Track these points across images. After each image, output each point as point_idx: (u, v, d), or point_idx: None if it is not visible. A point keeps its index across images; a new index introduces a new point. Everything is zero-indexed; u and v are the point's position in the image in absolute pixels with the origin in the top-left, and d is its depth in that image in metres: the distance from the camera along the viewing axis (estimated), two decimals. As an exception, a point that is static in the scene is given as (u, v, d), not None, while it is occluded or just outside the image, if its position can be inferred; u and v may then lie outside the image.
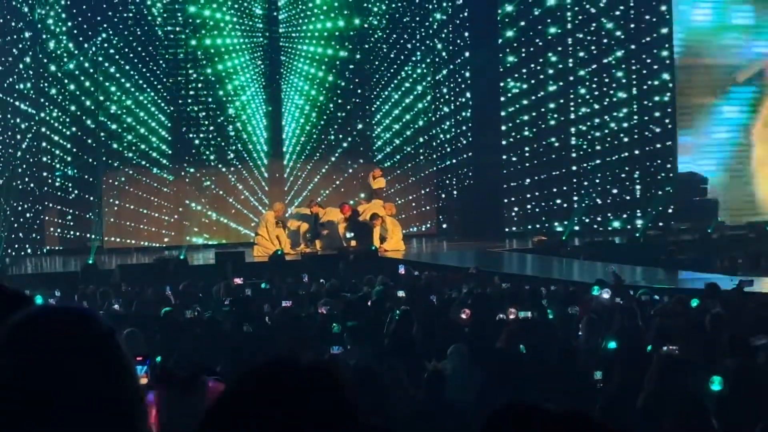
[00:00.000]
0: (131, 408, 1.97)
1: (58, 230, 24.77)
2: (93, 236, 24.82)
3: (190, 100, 25.66)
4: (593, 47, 26.07)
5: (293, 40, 26.33)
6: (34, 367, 1.90)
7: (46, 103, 24.47)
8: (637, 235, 23.30)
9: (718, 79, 27.03)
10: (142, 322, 11.30)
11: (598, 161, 26.04)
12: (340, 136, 26.39)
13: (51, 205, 24.63)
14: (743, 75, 27.06)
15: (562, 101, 26.14)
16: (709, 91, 27.08)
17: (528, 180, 26.04)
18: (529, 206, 26.16)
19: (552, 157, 26.00)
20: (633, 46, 26.07)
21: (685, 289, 15.00)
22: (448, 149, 26.98)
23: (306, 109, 26.32)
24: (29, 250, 24.00)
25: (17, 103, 23.82)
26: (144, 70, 25.14)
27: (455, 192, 26.89)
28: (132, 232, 25.20)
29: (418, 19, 26.82)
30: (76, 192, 24.77)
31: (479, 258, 20.65)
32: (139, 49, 25.06)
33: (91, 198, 24.90)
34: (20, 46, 23.90)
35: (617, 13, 26.07)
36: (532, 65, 26.01)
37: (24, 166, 23.84)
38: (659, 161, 26.13)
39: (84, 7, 24.65)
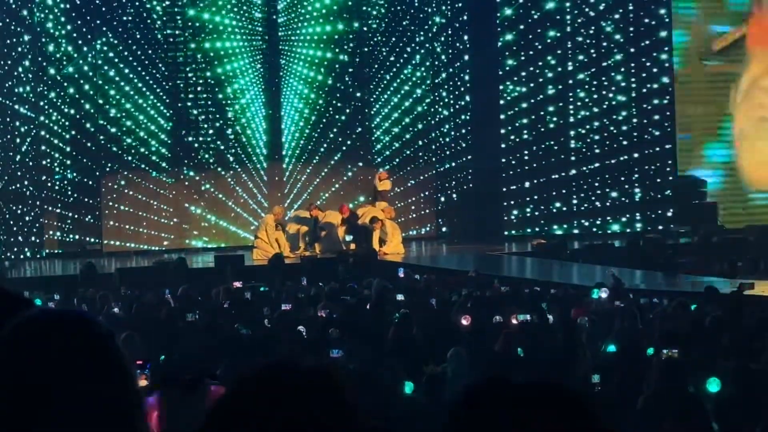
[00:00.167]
0: (131, 411, 1.97)
1: (58, 233, 24.77)
2: (92, 239, 24.82)
3: (189, 104, 25.66)
4: (592, 50, 26.08)
5: (292, 43, 26.34)
6: (33, 370, 1.90)
7: (46, 107, 24.47)
8: (637, 238, 23.29)
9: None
10: (141, 326, 11.30)
11: (597, 164, 26.04)
12: (340, 139, 26.39)
13: (50, 208, 24.61)
14: (720, 43, 26.64)
15: (561, 104, 26.15)
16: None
17: (527, 183, 26.04)
18: (528, 209, 26.16)
19: (551, 161, 26.00)
20: (632, 50, 26.08)
21: (685, 293, 15.01)
22: (448, 152, 26.98)
23: (305, 113, 26.32)
24: (28, 254, 23.98)
25: (16, 106, 23.82)
26: (143, 73, 25.15)
27: (455, 195, 26.88)
28: (131, 236, 25.19)
29: (417, 22, 26.83)
30: (75, 195, 24.76)
31: (478, 261, 20.65)
32: (139, 52, 25.07)
33: (91, 201, 24.90)
34: (19, 49, 23.90)
35: (616, 16, 26.08)
36: (532, 68, 26.01)
37: (23, 169, 23.83)
38: (658, 164, 26.13)
39: (83, 10, 24.66)
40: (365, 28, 26.56)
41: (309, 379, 1.83)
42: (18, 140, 23.77)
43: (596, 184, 26.08)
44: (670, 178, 26.00)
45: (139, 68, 25.09)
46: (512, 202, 26.15)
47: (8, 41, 23.62)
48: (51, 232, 24.67)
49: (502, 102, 26.07)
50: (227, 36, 25.71)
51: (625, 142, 26.08)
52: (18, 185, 23.68)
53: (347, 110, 26.48)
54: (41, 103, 24.39)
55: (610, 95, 26.10)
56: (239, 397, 1.81)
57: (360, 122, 26.65)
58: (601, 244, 22.70)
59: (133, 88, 25.09)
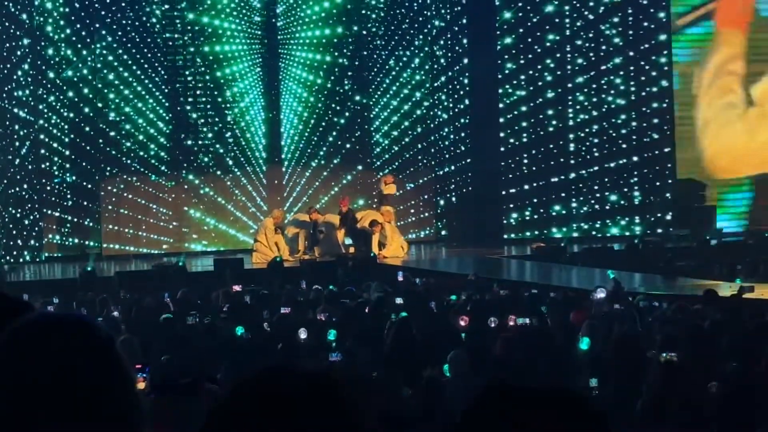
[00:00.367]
0: (130, 414, 1.97)
1: (57, 237, 24.76)
2: (92, 243, 24.82)
3: (188, 107, 25.67)
4: (591, 54, 26.10)
5: (292, 47, 26.34)
6: (32, 373, 1.90)
7: (45, 110, 24.47)
8: (636, 241, 23.29)
9: None
10: (140, 329, 11.30)
11: (596, 167, 26.05)
12: (339, 142, 26.40)
13: (50, 212, 24.61)
14: (684, 20, 26.27)
15: (560, 108, 26.17)
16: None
17: (527, 186, 26.05)
18: (527, 212, 26.17)
19: (551, 164, 26.01)
20: (631, 53, 26.10)
21: (684, 296, 15.01)
22: (447, 155, 26.99)
23: (305, 116, 26.33)
24: (28, 257, 23.97)
25: (16, 110, 23.82)
26: (143, 76, 25.16)
27: (454, 198, 26.90)
28: (130, 239, 25.19)
29: (416, 25, 26.85)
30: (74, 199, 24.76)
31: (478, 264, 20.65)
32: (138, 56, 25.08)
33: (90, 205, 24.90)
34: (19, 53, 23.90)
35: (615, 19, 26.10)
36: (531, 72, 26.03)
37: (23, 172, 23.82)
38: (658, 168, 26.14)
39: (82, 14, 24.67)
40: (364, 32, 26.58)
41: (308, 383, 1.83)
42: (17, 143, 23.77)
43: (595, 188, 26.09)
44: (670, 181, 26.01)
45: (139, 72, 25.10)
46: (511, 206, 26.16)
47: (7, 45, 23.61)
48: (50, 236, 24.67)
49: (501, 105, 26.09)
50: (226, 39, 25.72)
51: (624, 146, 26.10)
52: (17, 189, 23.67)
53: (346, 113, 26.50)
54: (40, 107, 24.39)
55: (609, 98, 26.12)
56: (237, 400, 1.81)
57: (359, 125, 26.66)
58: (601, 248, 22.70)
59: (133, 92, 25.10)
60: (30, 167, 24.02)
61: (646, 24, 26.17)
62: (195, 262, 22.87)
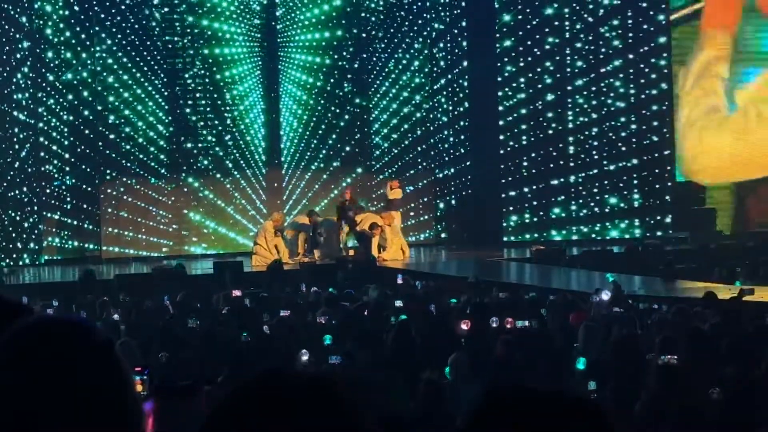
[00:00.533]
0: (129, 418, 1.97)
1: (57, 240, 24.76)
2: (91, 246, 24.82)
3: (188, 110, 25.67)
4: (591, 57, 26.11)
5: (291, 49, 26.35)
6: (32, 376, 1.90)
7: (45, 113, 24.47)
8: (635, 244, 23.30)
9: None
10: (140, 332, 11.30)
11: (596, 170, 26.06)
12: (338, 145, 26.41)
13: (49, 214, 24.61)
14: (677, 15, 26.10)
15: (560, 110, 26.18)
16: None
17: (526, 189, 26.07)
18: (527, 215, 26.18)
19: (550, 167, 26.03)
20: (631, 56, 26.11)
21: (684, 298, 15.01)
22: (447, 158, 27.00)
23: (304, 119, 26.34)
24: (27, 260, 23.97)
25: (15, 112, 23.81)
26: (142, 79, 25.16)
27: (453, 201, 26.90)
28: (130, 242, 25.19)
29: (416, 28, 26.86)
30: (74, 202, 24.76)
31: (478, 267, 20.66)
32: (138, 59, 25.08)
33: (90, 208, 24.90)
34: (18, 56, 23.91)
35: (615, 22, 26.12)
36: (531, 74, 26.05)
37: (22, 175, 23.82)
38: (657, 170, 26.15)
39: (82, 17, 24.68)
40: (364, 35, 26.59)
41: (307, 385, 1.83)
42: (17, 146, 23.76)
43: (595, 190, 26.10)
44: (669, 184, 26.02)
45: (138, 74, 25.10)
46: (511, 208, 26.17)
47: (7, 48, 23.62)
48: (50, 239, 24.66)
49: (500, 108, 26.11)
50: (226, 42, 25.73)
51: (623, 148, 26.11)
52: (17, 191, 23.67)
53: (346, 116, 26.51)
54: (40, 110, 24.39)
55: (609, 101, 26.13)
56: (236, 402, 1.81)
57: (359, 128, 26.67)
58: (600, 250, 22.71)
59: (132, 95, 25.10)
60: (29, 170, 24.01)
61: (645, 27, 26.19)
62: (195, 265, 22.87)
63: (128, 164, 25.07)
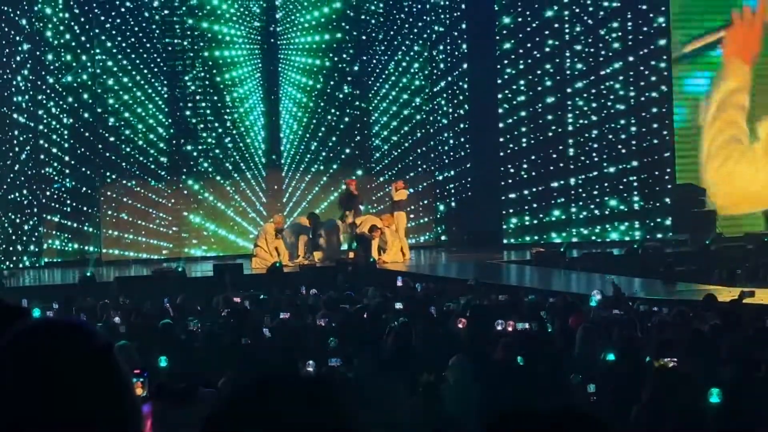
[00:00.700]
0: (128, 421, 1.97)
1: (57, 242, 24.76)
2: (91, 248, 24.82)
3: (188, 112, 25.67)
4: (591, 59, 26.12)
5: (291, 52, 26.36)
6: (31, 379, 1.90)
7: (44, 116, 24.48)
8: (636, 246, 23.29)
9: None
10: (140, 335, 11.30)
11: (596, 172, 26.06)
12: (338, 147, 26.41)
13: (49, 217, 24.61)
14: (692, 45, 26.11)
15: (560, 113, 26.18)
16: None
17: (526, 191, 26.06)
18: (527, 217, 26.18)
19: (550, 169, 26.03)
20: (631, 58, 26.12)
21: (684, 301, 15.00)
22: (446, 161, 27.00)
23: (304, 121, 26.34)
24: (27, 262, 23.97)
25: (15, 115, 23.82)
26: (142, 82, 25.17)
27: (453, 203, 26.90)
28: (130, 245, 25.19)
29: (416, 30, 26.86)
30: (74, 204, 24.76)
31: (477, 269, 20.65)
32: (138, 61, 25.09)
33: (90, 210, 24.90)
34: (18, 58, 23.91)
35: (615, 24, 26.12)
36: (530, 77, 26.05)
37: (22, 178, 23.82)
38: (657, 172, 26.15)
39: (82, 19, 24.69)
40: (364, 37, 26.59)
41: (306, 388, 1.83)
42: (17, 149, 23.76)
43: (595, 193, 26.10)
44: (669, 186, 26.02)
45: (138, 77, 25.11)
46: (511, 210, 26.17)
47: (7, 50, 23.62)
48: (50, 241, 24.66)
49: (500, 110, 26.11)
50: (226, 45, 25.74)
51: (624, 151, 26.11)
52: (17, 194, 23.66)
53: (346, 119, 26.51)
54: (40, 112, 24.40)
55: (609, 103, 26.13)
56: (235, 406, 1.81)
57: (359, 131, 26.67)
58: (600, 253, 22.71)
59: (132, 97, 25.11)
60: (30, 172, 24.02)
61: (645, 29, 26.19)
62: (194, 268, 22.86)
63: (128, 167, 25.07)
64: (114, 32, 24.92)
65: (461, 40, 26.75)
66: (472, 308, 12.40)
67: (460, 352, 9.23)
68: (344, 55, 26.48)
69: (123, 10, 24.92)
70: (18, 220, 23.71)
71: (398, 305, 13.09)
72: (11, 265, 23.25)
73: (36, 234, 24.18)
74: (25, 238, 23.92)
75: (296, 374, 1.86)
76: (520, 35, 25.99)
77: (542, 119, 26.07)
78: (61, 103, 24.62)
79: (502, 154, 26.09)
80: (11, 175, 23.54)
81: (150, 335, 11.29)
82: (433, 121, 27.12)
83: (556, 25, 26.08)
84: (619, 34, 26.13)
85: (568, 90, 26.12)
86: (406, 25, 26.74)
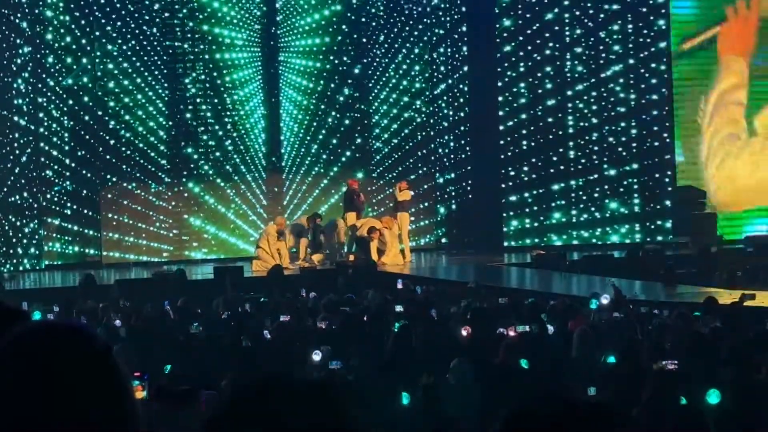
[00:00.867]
0: (128, 422, 1.97)
1: (57, 245, 24.76)
2: (92, 251, 24.83)
3: (189, 115, 25.69)
4: (591, 61, 26.12)
5: (292, 55, 26.37)
6: (31, 382, 1.90)
7: (45, 118, 24.48)
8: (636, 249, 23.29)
9: None
10: (140, 337, 11.31)
11: (596, 175, 26.06)
12: (339, 150, 26.42)
13: (50, 220, 24.62)
14: (690, 42, 26.06)
15: (560, 115, 26.18)
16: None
17: (527, 194, 26.06)
18: (527, 220, 26.18)
19: (551, 171, 26.03)
20: (631, 61, 26.12)
21: (685, 303, 15.00)
22: (447, 163, 27.00)
23: (305, 124, 26.35)
24: (28, 265, 23.97)
25: (16, 118, 23.82)
26: (143, 84, 25.19)
27: (454, 206, 26.91)
28: (131, 247, 25.19)
29: (416, 33, 26.87)
30: (74, 207, 24.77)
31: (478, 272, 20.65)
32: (138, 64, 25.11)
33: (90, 213, 24.90)
34: (19, 61, 23.92)
35: (615, 27, 26.13)
36: (531, 79, 26.06)
37: (22, 180, 23.82)
38: (658, 175, 26.16)
39: (83, 22, 24.71)
40: (364, 40, 26.60)
41: (306, 390, 1.83)
42: (17, 152, 23.77)
43: (595, 195, 26.10)
44: (670, 188, 26.01)
45: (139, 80, 25.13)
46: (511, 213, 26.16)
47: (7, 53, 23.63)
48: (50, 244, 24.67)
49: (501, 113, 26.10)
50: (227, 47, 25.75)
51: (624, 153, 26.11)
52: (17, 197, 23.67)
53: (346, 121, 26.52)
54: (40, 115, 24.40)
55: (609, 106, 26.13)
56: (236, 407, 1.81)
57: (359, 133, 26.68)
58: (601, 255, 22.70)
59: (133, 100, 25.12)
60: (30, 175, 24.02)
61: (645, 32, 26.19)
62: (195, 270, 22.87)
63: (129, 169, 25.08)
64: (115, 35, 24.94)
65: (462, 42, 26.76)
66: (472, 311, 12.40)
67: (461, 355, 9.24)
68: (345, 58, 26.50)
69: (123, 12, 24.94)
70: (18, 223, 23.71)
71: (398, 308, 13.09)
72: (12, 268, 23.25)
73: (36, 237, 24.19)
74: (25, 241, 23.92)
75: (296, 376, 1.86)
76: (521, 38, 25.99)
77: (542, 122, 26.07)
78: (61, 105, 24.64)
79: (502, 156, 26.08)
80: (12, 178, 23.55)
81: (150, 338, 11.29)
82: (434, 123, 27.13)
83: (557, 28, 26.08)
84: (620, 36, 26.13)
85: (569, 92, 26.12)
86: (407, 28, 26.75)
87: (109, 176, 25.02)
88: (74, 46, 24.69)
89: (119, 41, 24.96)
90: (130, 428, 1.97)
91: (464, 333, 10.98)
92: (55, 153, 24.61)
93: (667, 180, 26.17)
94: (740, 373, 8.09)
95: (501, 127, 26.08)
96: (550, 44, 26.03)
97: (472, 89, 26.53)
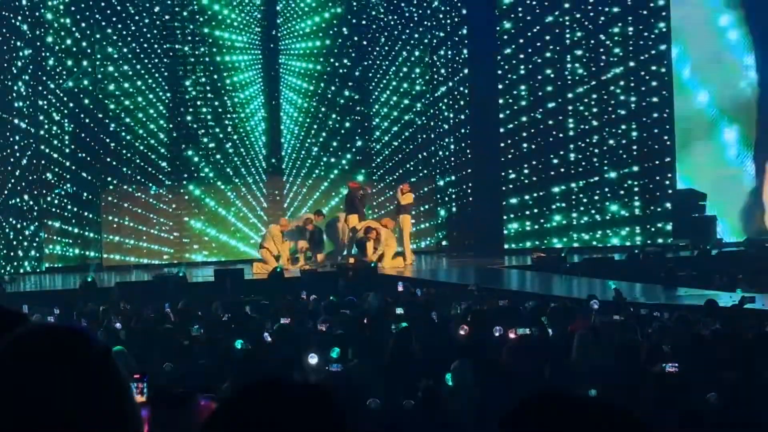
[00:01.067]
0: (127, 424, 1.97)
1: (57, 248, 24.76)
2: (92, 254, 24.83)
3: (189, 117, 25.69)
4: (592, 64, 26.14)
5: (292, 57, 26.38)
6: (29, 385, 1.90)
7: (45, 121, 24.49)
8: (636, 251, 23.30)
9: None
10: (141, 340, 11.31)
11: (596, 178, 26.07)
12: (339, 153, 26.43)
13: (50, 222, 24.62)
14: None
15: (560, 118, 26.19)
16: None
17: (527, 196, 26.07)
18: (528, 223, 26.18)
19: (551, 174, 26.04)
20: (632, 63, 26.14)
21: (685, 306, 15.00)
22: (447, 166, 27.01)
23: (305, 126, 26.36)
24: (28, 268, 23.97)
25: (16, 120, 23.83)
26: (143, 87, 25.19)
27: (454, 208, 26.91)
28: (131, 250, 25.20)
29: (417, 36, 26.89)
30: (75, 209, 24.77)
31: (478, 275, 20.65)
32: (139, 66, 25.12)
33: (91, 215, 24.91)
34: (19, 63, 23.93)
35: (616, 30, 26.14)
36: (531, 82, 26.07)
37: (23, 183, 23.83)
38: (658, 178, 26.17)
39: (83, 24, 24.72)
40: (365, 42, 26.61)
41: (303, 394, 1.83)
42: (18, 154, 23.78)
43: (596, 198, 26.11)
44: (670, 191, 26.02)
45: (139, 82, 25.14)
46: (512, 215, 26.17)
47: (8, 56, 23.64)
48: (51, 246, 24.67)
49: (501, 115, 26.11)
50: (227, 50, 25.76)
51: (624, 156, 26.12)
52: (18, 199, 23.68)
53: (347, 124, 26.52)
54: (41, 117, 24.41)
55: (610, 109, 26.14)
56: (231, 413, 1.81)
57: (360, 135, 26.69)
58: (601, 258, 22.71)
59: (133, 102, 25.13)
60: (30, 178, 24.03)
61: (646, 34, 26.21)
62: (195, 273, 22.88)
63: (129, 172, 25.09)
64: (115, 37, 24.95)
65: (462, 45, 26.77)
66: (472, 313, 12.40)
67: (461, 357, 9.24)
68: (345, 60, 26.51)
69: (124, 15, 24.95)
70: (19, 226, 23.72)
71: (399, 310, 13.09)
72: (12, 271, 23.25)
73: (37, 239, 24.19)
74: (26, 244, 23.92)
75: (293, 380, 1.86)
76: (521, 40, 26.00)
77: (543, 124, 26.08)
78: (62, 108, 24.64)
79: (502, 159, 26.09)
80: (12, 180, 23.56)
81: (151, 340, 11.29)
82: (434, 126, 27.14)
83: (557, 30, 26.10)
84: (620, 39, 26.15)
85: (569, 95, 26.13)
86: (407, 30, 26.76)
87: (109, 179, 25.02)
88: (75, 49, 24.70)
89: (119, 44, 24.97)
90: (129, 429, 1.98)
91: (462, 332, 10.98)
92: (55, 155, 24.61)
93: (667, 182, 26.19)
94: (740, 374, 8.09)
95: (501, 130, 26.09)
96: (551, 47, 26.05)
97: (472, 92, 26.54)
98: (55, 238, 24.70)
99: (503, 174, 26.06)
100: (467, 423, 7.67)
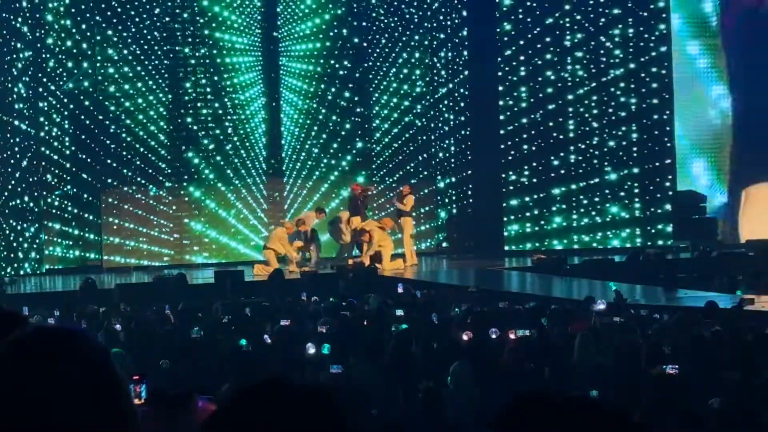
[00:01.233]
0: (125, 425, 1.97)
1: (58, 249, 24.76)
2: (92, 255, 24.83)
3: (189, 119, 25.69)
4: (592, 66, 26.14)
5: (293, 59, 26.38)
6: (27, 387, 1.90)
7: (46, 123, 24.50)
8: (636, 253, 23.29)
9: None
10: (141, 342, 11.31)
11: (597, 179, 26.07)
12: (340, 154, 26.42)
13: (50, 224, 24.62)
14: None
15: (561, 119, 26.19)
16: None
17: (527, 198, 26.07)
18: (528, 224, 26.18)
19: (551, 176, 26.04)
20: (632, 65, 26.14)
21: (685, 307, 15.00)
22: (448, 167, 27.00)
23: (306, 128, 26.35)
24: (28, 269, 23.97)
25: (16, 122, 23.84)
26: (143, 89, 25.19)
27: (454, 210, 26.91)
28: (131, 251, 25.18)
29: (417, 37, 26.89)
30: (75, 211, 24.77)
31: (479, 276, 20.65)
32: (139, 68, 25.12)
33: (91, 217, 24.91)
34: (20, 65, 23.94)
35: (616, 31, 26.15)
36: (531, 84, 26.07)
37: (23, 185, 23.84)
38: (658, 179, 26.17)
39: (83, 26, 24.72)
40: (365, 44, 26.61)
41: (302, 395, 1.83)
42: (18, 156, 23.78)
43: (596, 199, 26.11)
44: (670, 193, 26.02)
45: (139, 84, 25.14)
46: (512, 217, 26.17)
47: (8, 57, 23.65)
48: (51, 248, 24.67)
49: (501, 117, 26.11)
50: (227, 52, 25.76)
51: (624, 158, 26.12)
52: (18, 201, 23.68)
53: (347, 125, 26.52)
54: (41, 119, 24.41)
55: (610, 110, 26.15)
56: (231, 413, 1.81)
57: (360, 137, 26.68)
58: (601, 259, 22.70)
59: (133, 104, 25.13)
60: (31, 179, 24.03)
61: (646, 36, 26.22)
62: (196, 274, 22.87)
63: (129, 173, 25.08)
64: (115, 39, 24.95)
65: (462, 46, 26.77)
66: (473, 315, 12.41)
67: (461, 359, 9.24)
68: (345, 62, 26.51)
69: (124, 17, 24.95)
70: (19, 227, 23.72)
71: (399, 312, 13.09)
72: (12, 272, 23.25)
73: (37, 241, 24.19)
74: (26, 245, 23.92)
75: (290, 382, 1.86)
76: (521, 42, 26.00)
77: (543, 126, 26.07)
78: (62, 109, 24.64)
79: (503, 160, 26.08)
80: (12, 182, 23.56)
81: (150, 342, 11.29)
82: (434, 128, 27.13)
83: (557, 32, 26.10)
84: (621, 40, 26.15)
85: (569, 96, 26.13)
86: (407, 32, 26.76)
87: (109, 180, 25.01)
88: (75, 51, 24.70)
89: (120, 45, 24.97)
90: (129, 430, 1.98)
91: (465, 338, 10.98)
92: (55, 157, 24.61)
93: (667, 184, 26.18)
94: (741, 376, 8.09)
95: (501, 131, 26.09)
96: (551, 48, 26.05)
97: (472, 93, 26.54)
98: (55, 239, 24.70)
99: (503, 175, 26.06)
100: (467, 423, 7.68)
